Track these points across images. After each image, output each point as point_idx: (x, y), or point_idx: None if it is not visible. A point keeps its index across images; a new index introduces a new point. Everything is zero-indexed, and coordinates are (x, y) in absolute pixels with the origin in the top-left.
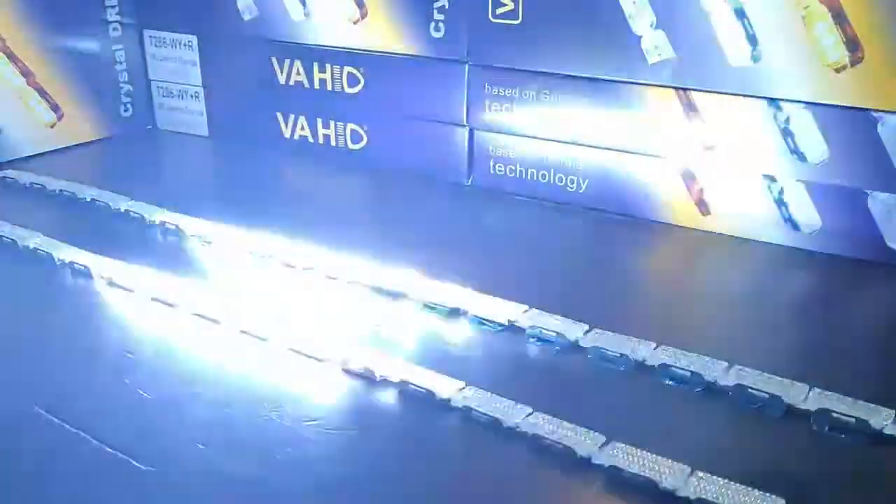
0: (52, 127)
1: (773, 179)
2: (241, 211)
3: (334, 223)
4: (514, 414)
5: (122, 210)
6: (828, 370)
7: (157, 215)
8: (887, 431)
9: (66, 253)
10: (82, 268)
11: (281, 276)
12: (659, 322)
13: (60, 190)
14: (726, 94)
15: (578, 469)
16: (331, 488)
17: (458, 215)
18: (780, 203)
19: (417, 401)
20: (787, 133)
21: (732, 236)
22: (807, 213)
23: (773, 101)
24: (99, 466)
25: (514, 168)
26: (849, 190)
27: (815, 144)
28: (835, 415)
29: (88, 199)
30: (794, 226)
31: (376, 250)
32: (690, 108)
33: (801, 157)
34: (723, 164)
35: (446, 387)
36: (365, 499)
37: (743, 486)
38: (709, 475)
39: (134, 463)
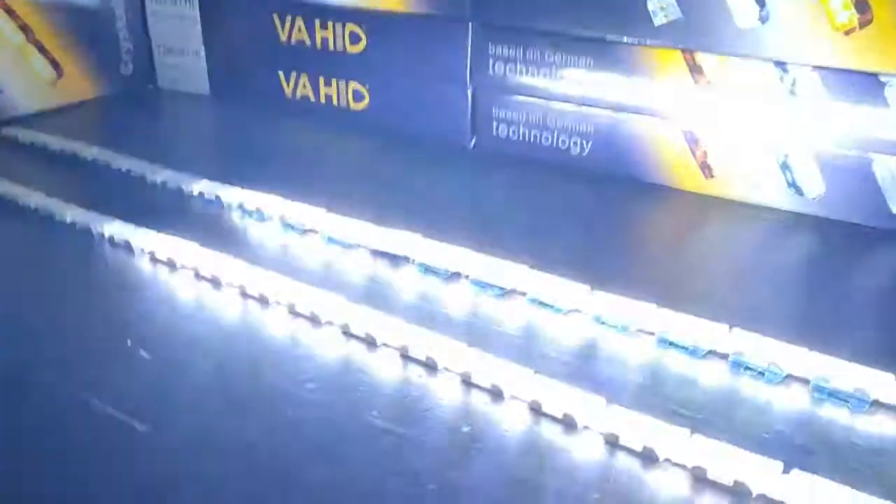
0: (52, 85)
1: (778, 143)
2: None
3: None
4: None
5: None
6: (824, 335)
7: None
8: None
9: None
10: None
11: None
12: (658, 284)
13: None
14: (733, 55)
15: None
16: None
17: (457, 179)
18: (785, 168)
19: None
20: (793, 96)
21: (736, 201)
22: (811, 179)
23: (779, 64)
24: None
25: (516, 130)
26: (854, 155)
27: (820, 108)
28: None
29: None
30: (799, 191)
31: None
32: (696, 70)
33: (807, 121)
34: (727, 127)
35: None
36: None
37: None
38: None
39: None
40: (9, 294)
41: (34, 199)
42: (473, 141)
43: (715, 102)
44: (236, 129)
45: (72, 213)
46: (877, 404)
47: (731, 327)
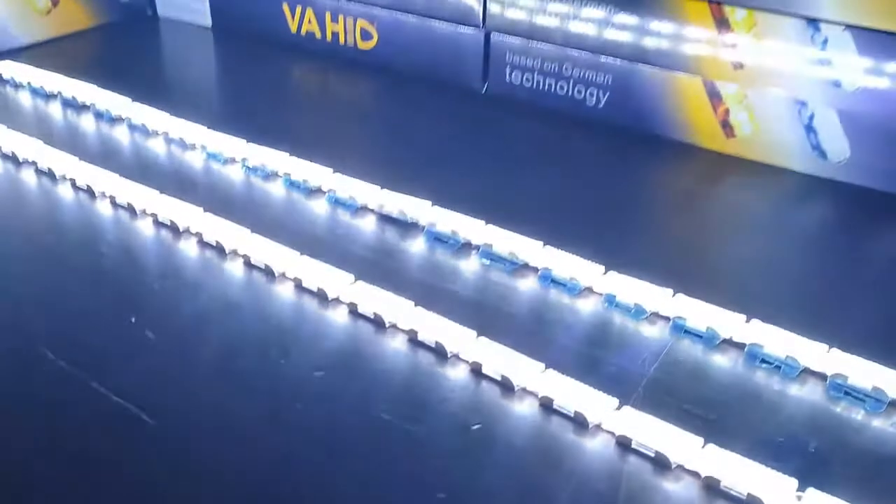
0: (47, 13)
1: (803, 104)
2: None
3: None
4: None
5: None
6: (843, 325)
7: None
8: None
9: None
10: None
11: None
12: (672, 253)
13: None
14: (762, 10)
15: None
16: None
17: (466, 131)
18: (810, 129)
19: None
20: (823, 56)
21: (756, 162)
22: (836, 142)
23: (811, 22)
24: None
25: (531, 77)
26: (883, 120)
27: (851, 70)
28: None
29: None
30: (822, 154)
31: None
32: (723, 23)
33: (836, 83)
34: (752, 85)
35: None
36: None
37: None
38: None
39: None
40: None
41: None
42: (486, 86)
43: (741, 59)
44: (236, 67)
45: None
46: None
47: (748, 318)
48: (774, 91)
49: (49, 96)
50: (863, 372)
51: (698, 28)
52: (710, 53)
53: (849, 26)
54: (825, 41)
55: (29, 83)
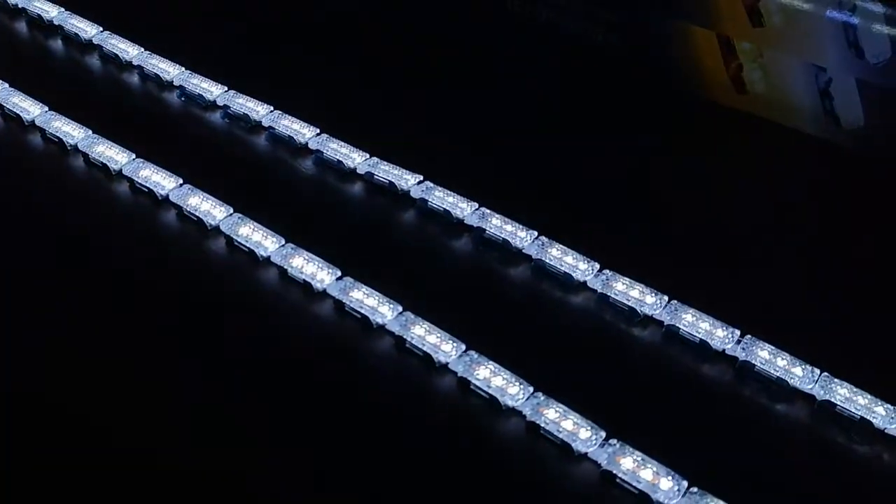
0: None
1: (821, 69)
2: None
3: None
4: None
5: None
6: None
7: None
8: None
9: None
10: None
11: None
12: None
13: None
14: None
15: None
16: None
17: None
18: (825, 95)
19: None
20: (849, 23)
21: (764, 120)
22: (851, 111)
23: None
24: None
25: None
26: None
27: (878, 41)
28: None
29: None
30: (836, 121)
31: None
32: None
33: (859, 53)
34: (769, 43)
35: None
36: None
37: None
38: None
39: None
40: None
41: None
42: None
43: (759, 13)
44: None
45: None
46: None
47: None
48: (792, 52)
49: None
50: None
51: None
52: (727, 4)
53: None
54: (853, 8)
55: None
